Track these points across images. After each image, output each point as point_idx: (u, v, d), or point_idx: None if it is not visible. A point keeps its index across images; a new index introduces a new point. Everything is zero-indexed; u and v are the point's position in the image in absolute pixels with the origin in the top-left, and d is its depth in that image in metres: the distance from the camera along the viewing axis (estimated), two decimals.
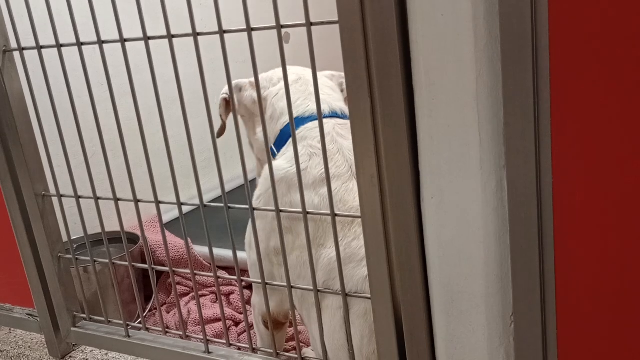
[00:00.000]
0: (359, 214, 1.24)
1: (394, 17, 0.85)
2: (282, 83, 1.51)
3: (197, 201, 1.23)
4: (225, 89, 1.55)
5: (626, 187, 0.79)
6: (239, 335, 1.87)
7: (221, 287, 2.02)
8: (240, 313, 1.94)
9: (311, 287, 1.18)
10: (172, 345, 1.38)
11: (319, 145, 1.31)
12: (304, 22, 0.97)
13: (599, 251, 0.83)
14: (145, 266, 1.38)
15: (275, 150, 1.46)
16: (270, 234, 1.33)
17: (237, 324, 1.92)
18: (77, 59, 1.23)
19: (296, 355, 1.24)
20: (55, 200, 1.44)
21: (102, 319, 1.49)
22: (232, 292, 2.03)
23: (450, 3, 0.80)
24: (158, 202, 1.28)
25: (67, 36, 1.25)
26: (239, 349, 1.34)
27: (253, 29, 1.03)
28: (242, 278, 1.27)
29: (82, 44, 1.23)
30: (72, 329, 1.53)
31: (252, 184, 1.38)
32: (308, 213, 1.11)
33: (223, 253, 2.03)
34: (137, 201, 1.31)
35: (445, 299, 0.94)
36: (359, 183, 0.97)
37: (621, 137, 0.77)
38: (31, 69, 1.33)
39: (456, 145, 0.86)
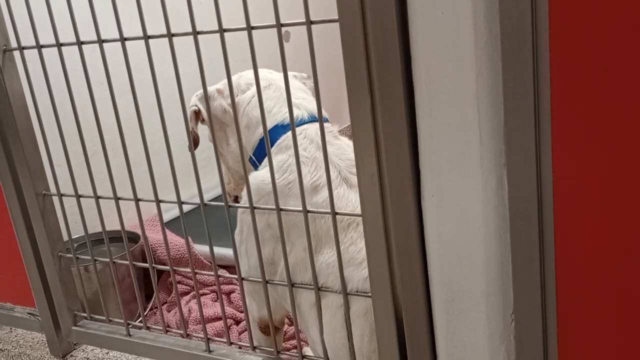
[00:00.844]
0: (350, 220, 1.24)
1: (394, 16, 0.84)
2: (253, 89, 1.43)
3: (197, 200, 1.23)
4: (194, 100, 1.48)
5: (627, 185, 0.79)
6: (239, 334, 1.87)
7: (222, 286, 2.02)
8: (241, 311, 1.94)
9: (310, 286, 1.18)
10: (173, 344, 1.38)
11: (306, 154, 1.30)
12: (304, 20, 0.97)
13: (599, 249, 0.83)
14: (146, 265, 1.38)
15: (256, 161, 1.40)
16: (262, 245, 1.27)
17: (237, 322, 1.92)
18: (77, 58, 1.23)
19: (297, 354, 1.24)
20: (55, 199, 1.44)
21: (103, 317, 1.49)
22: (232, 291, 2.03)
23: (450, 1, 0.80)
24: (158, 201, 1.28)
25: (67, 35, 1.25)
26: (240, 347, 1.34)
27: (253, 28, 1.03)
28: (242, 277, 1.27)
29: (82, 43, 1.23)
30: (73, 328, 1.54)
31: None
32: (308, 211, 1.12)
33: (223, 252, 2.03)
34: (137, 200, 1.31)
35: (445, 297, 0.94)
36: (359, 181, 0.97)
37: (622, 135, 0.77)
38: (31, 68, 1.33)
39: (456, 144, 0.85)
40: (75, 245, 1.69)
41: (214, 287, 2.09)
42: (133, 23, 1.17)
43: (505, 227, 0.87)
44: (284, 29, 1.05)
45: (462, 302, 0.93)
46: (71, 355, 1.59)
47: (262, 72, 1.45)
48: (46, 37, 1.28)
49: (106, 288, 1.91)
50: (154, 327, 1.44)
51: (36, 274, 1.51)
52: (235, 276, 1.27)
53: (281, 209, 1.17)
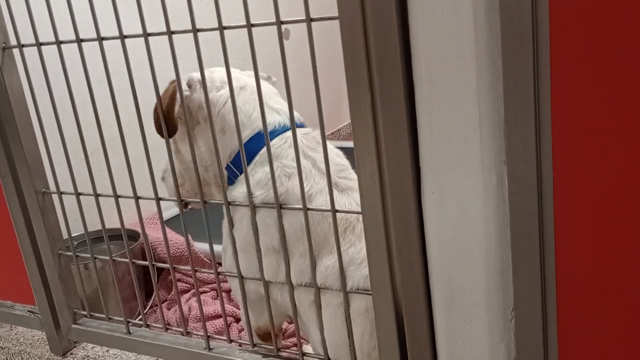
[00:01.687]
0: (346, 225, 1.23)
1: (394, 13, 0.84)
2: (227, 88, 1.30)
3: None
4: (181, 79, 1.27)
5: (627, 182, 0.79)
6: (240, 332, 1.87)
7: (222, 284, 2.02)
8: None
9: (310, 285, 1.18)
10: (173, 342, 1.38)
11: (294, 163, 1.21)
12: (304, 18, 0.97)
13: (599, 246, 0.83)
14: (146, 263, 1.38)
15: (235, 170, 1.31)
16: (257, 263, 1.25)
17: (237, 320, 1.92)
18: (76, 56, 1.23)
19: (296, 351, 1.24)
20: (55, 197, 1.44)
21: (103, 316, 1.49)
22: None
23: None
24: (158, 199, 1.28)
25: (66, 33, 1.25)
26: (240, 345, 1.34)
27: (253, 25, 1.03)
28: (242, 276, 1.27)
29: (82, 40, 1.23)
30: (73, 325, 1.54)
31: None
32: (308, 209, 1.12)
33: None
34: (137, 198, 1.31)
35: (445, 294, 0.94)
36: (359, 179, 0.97)
37: (622, 132, 0.77)
38: (31, 66, 1.33)
39: (457, 142, 0.85)
40: (75, 243, 1.68)
41: (214, 285, 2.09)
42: (133, 21, 1.17)
43: (506, 224, 0.87)
44: (283, 27, 1.05)
45: (463, 299, 0.93)
46: (71, 353, 1.59)
47: (236, 73, 1.36)
48: (46, 35, 1.28)
49: (106, 286, 1.91)
50: (154, 325, 1.44)
51: (36, 272, 1.51)
52: (236, 274, 1.27)
53: (282, 207, 1.17)
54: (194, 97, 1.34)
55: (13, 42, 1.35)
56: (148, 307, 2.07)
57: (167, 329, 1.40)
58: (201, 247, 2.13)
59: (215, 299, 2.03)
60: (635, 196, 0.79)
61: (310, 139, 1.31)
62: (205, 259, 2.12)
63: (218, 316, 1.92)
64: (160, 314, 1.42)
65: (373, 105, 0.91)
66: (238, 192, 1.29)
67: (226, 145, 1.32)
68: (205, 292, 2.08)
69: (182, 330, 1.39)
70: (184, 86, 1.30)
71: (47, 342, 1.61)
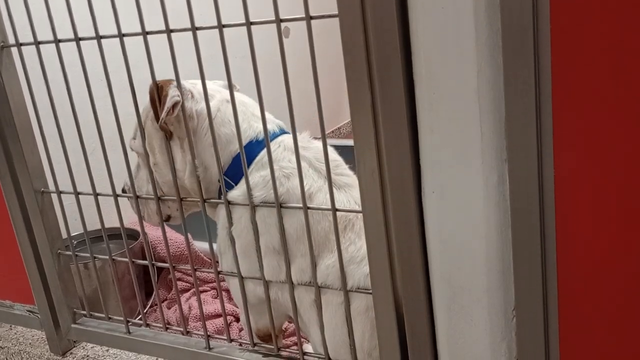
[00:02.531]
0: (346, 222, 1.24)
1: (394, 10, 0.84)
2: (215, 101, 1.34)
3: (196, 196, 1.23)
4: (175, 92, 1.28)
5: (629, 180, 0.79)
6: (240, 331, 1.87)
7: (222, 283, 2.02)
8: None
9: (311, 285, 1.18)
10: (173, 342, 1.38)
11: (292, 165, 1.26)
12: (304, 16, 0.96)
13: (601, 245, 0.82)
14: (146, 262, 1.37)
15: (230, 181, 1.33)
16: (257, 265, 1.25)
17: (238, 319, 1.92)
18: (75, 55, 1.23)
19: (297, 351, 1.24)
20: (54, 196, 1.44)
21: (103, 315, 1.49)
22: None
23: None
24: (158, 198, 1.28)
25: (65, 31, 1.24)
26: (240, 344, 1.33)
27: (252, 23, 1.02)
28: (242, 275, 1.26)
29: (80, 39, 1.23)
30: (73, 325, 1.53)
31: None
32: (308, 208, 1.11)
33: None
34: (137, 197, 1.31)
35: (446, 293, 0.94)
36: (359, 177, 0.96)
37: (623, 130, 0.77)
38: (29, 64, 1.32)
39: (457, 139, 0.85)
40: (75, 242, 1.68)
41: (214, 284, 2.09)
42: (131, 19, 1.16)
43: (507, 222, 0.86)
44: (283, 25, 1.04)
45: (463, 298, 0.92)
46: (71, 353, 1.59)
47: (210, 85, 1.35)
48: (44, 34, 1.27)
49: (106, 285, 1.91)
50: (153, 324, 1.44)
51: (35, 271, 1.51)
52: (236, 273, 1.27)
53: (282, 206, 1.16)
54: (188, 106, 1.33)
55: (11, 40, 1.35)
56: (148, 307, 2.07)
57: (167, 328, 1.40)
58: (201, 246, 2.13)
59: (216, 298, 2.03)
60: (638, 194, 0.78)
61: (302, 139, 1.33)
62: (205, 258, 2.12)
63: (218, 315, 1.92)
64: (160, 313, 1.42)
65: (373, 103, 0.90)
66: (237, 194, 1.30)
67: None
68: (205, 291, 2.08)
69: (182, 329, 1.38)
70: (175, 92, 1.28)
71: (46, 342, 1.61)
